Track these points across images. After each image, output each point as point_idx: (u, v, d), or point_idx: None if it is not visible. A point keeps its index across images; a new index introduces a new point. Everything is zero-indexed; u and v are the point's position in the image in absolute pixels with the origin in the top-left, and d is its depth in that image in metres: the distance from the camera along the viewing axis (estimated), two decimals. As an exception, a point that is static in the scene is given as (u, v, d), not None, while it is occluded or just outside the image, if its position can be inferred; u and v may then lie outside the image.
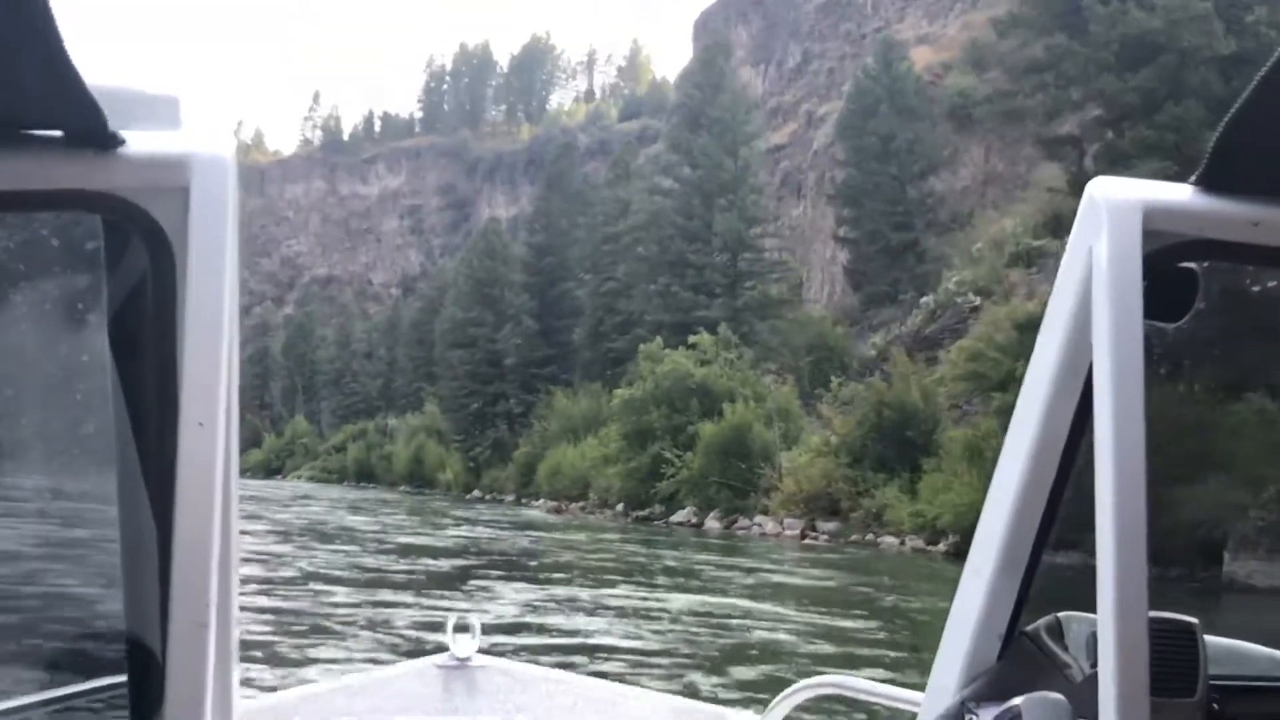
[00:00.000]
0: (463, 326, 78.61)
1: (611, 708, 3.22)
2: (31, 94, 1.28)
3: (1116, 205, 1.47)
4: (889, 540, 34.11)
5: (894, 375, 37.78)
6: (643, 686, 5.36)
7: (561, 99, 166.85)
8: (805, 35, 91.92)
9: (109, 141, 1.34)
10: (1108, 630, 1.35)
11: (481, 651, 3.37)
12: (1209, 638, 1.79)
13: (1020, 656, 1.73)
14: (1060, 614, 1.80)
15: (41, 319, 1.61)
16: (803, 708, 2.88)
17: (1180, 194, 1.51)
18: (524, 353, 75.27)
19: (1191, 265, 1.54)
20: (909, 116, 57.55)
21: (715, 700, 8.41)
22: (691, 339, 47.73)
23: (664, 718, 3.22)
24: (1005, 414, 1.99)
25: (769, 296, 56.96)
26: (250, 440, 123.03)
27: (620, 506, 49.29)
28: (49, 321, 1.61)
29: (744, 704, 3.79)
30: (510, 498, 66.03)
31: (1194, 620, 1.75)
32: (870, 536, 34.99)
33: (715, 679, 11.79)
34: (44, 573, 1.88)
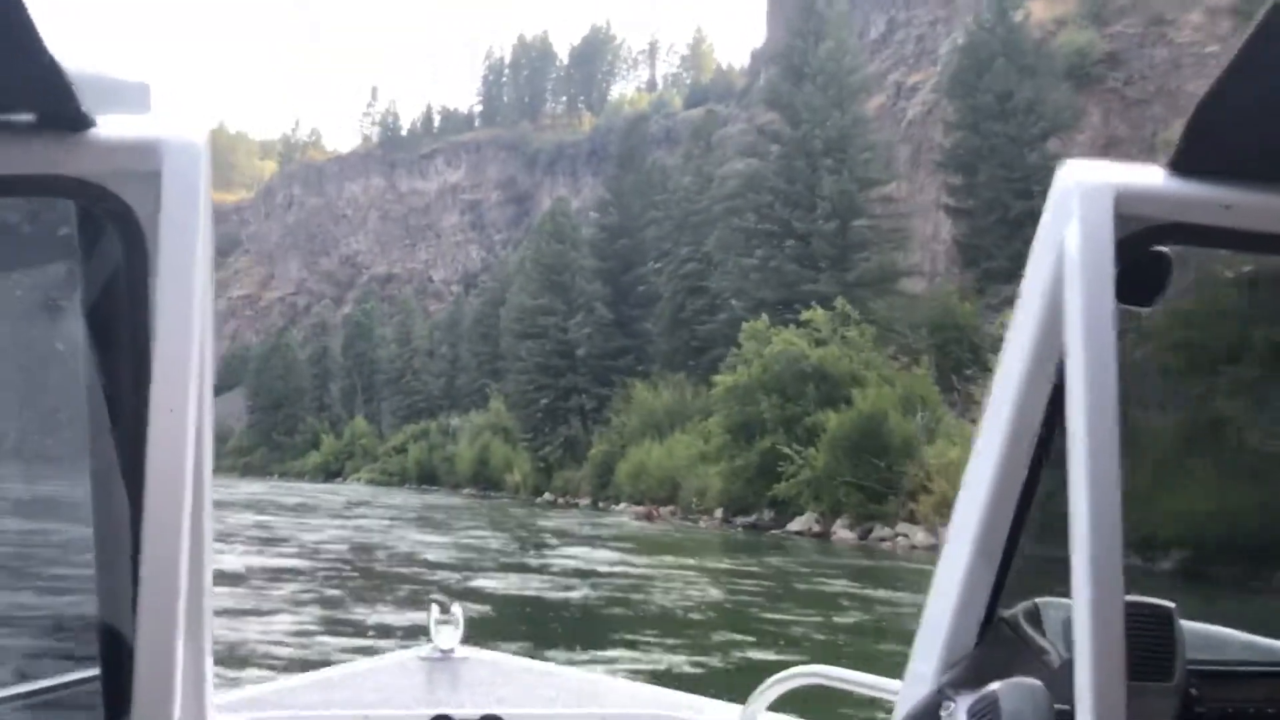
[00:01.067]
0: (531, 316, 73.13)
1: (593, 699, 3.18)
2: (3, 77, 1.26)
3: (1088, 189, 1.47)
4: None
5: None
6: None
7: (623, 89, 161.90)
8: (889, 3, 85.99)
9: (80, 123, 1.33)
10: (1083, 615, 1.35)
11: (464, 643, 3.38)
12: (1186, 623, 1.74)
13: (998, 642, 1.73)
14: (1038, 599, 1.77)
15: (14, 304, 1.61)
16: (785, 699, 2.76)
17: (1152, 177, 1.50)
18: (597, 343, 69.85)
19: (1164, 249, 1.54)
20: (1027, 73, 51.43)
21: None
22: (804, 315, 41.06)
23: (645, 708, 3.16)
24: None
25: (886, 268, 50.60)
26: (309, 442, 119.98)
27: (720, 512, 43.38)
28: (21, 307, 1.61)
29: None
30: (585, 501, 60.78)
31: (1171, 605, 1.71)
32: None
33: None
34: (17, 563, 1.84)
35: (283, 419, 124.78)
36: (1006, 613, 1.76)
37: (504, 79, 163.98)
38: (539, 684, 3.25)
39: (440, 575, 21.75)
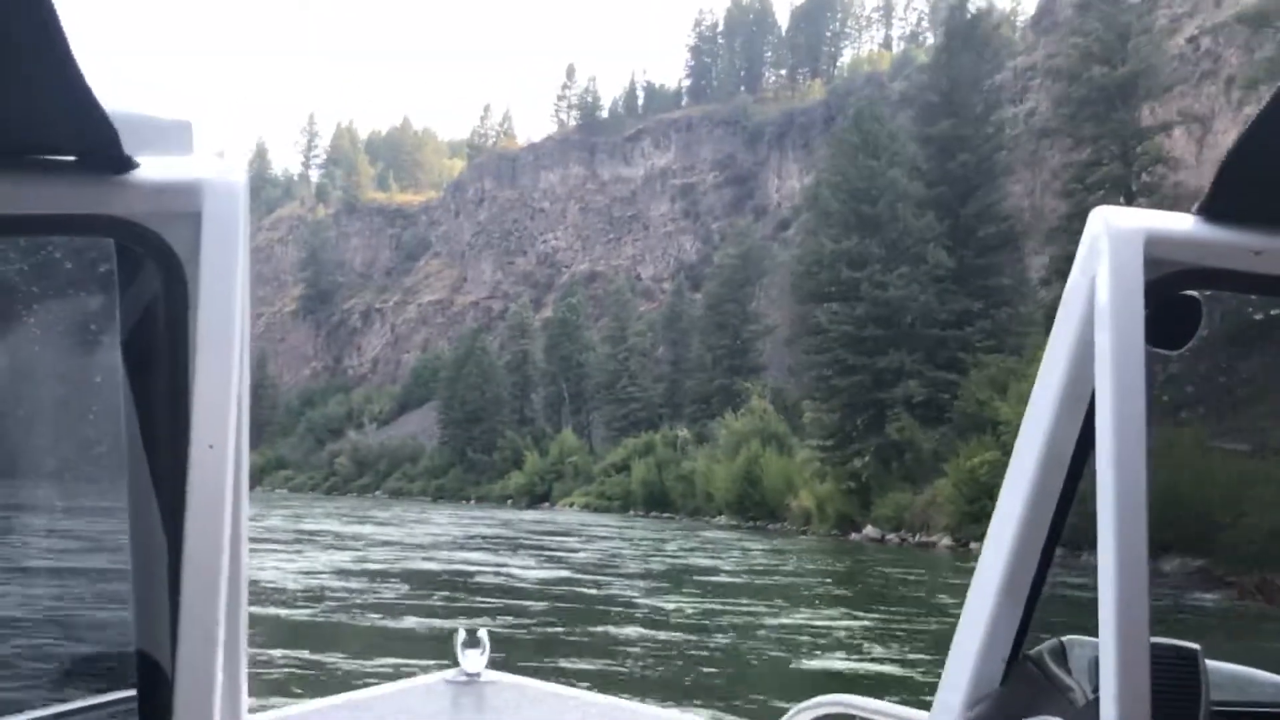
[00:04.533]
0: (829, 266, 50.61)
1: None
2: (46, 118, 1.30)
3: (1119, 234, 1.49)
4: None
5: None
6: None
7: (855, 52, 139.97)
8: None
9: (123, 165, 1.37)
10: (1109, 656, 1.36)
11: (491, 666, 3.36)
12: (1211, 663, 1.73)
13: (1024, 680, 1.75)
14: (1064, 638, 1.79)
15: (56, 341, 1.67)
16: None
17: (1182, 223, 1.52)
18: (928, 307, 48.11)
19: (1194, 293, 1.56)
20: None
21: None
22: None
23: None
24: None
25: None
26: (509, 461, 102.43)
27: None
28: (63, 344, 1.67)
29: None
30: (944, 540, 39.22)
31: (1196, 646, 1.70)
32: None
33: None
34: (57, 589, 1.91)
35: (479, 434, 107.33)
36: (1033, 650, 1.77)
37: (717, 47, 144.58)
38: (565, 708, 3.21)
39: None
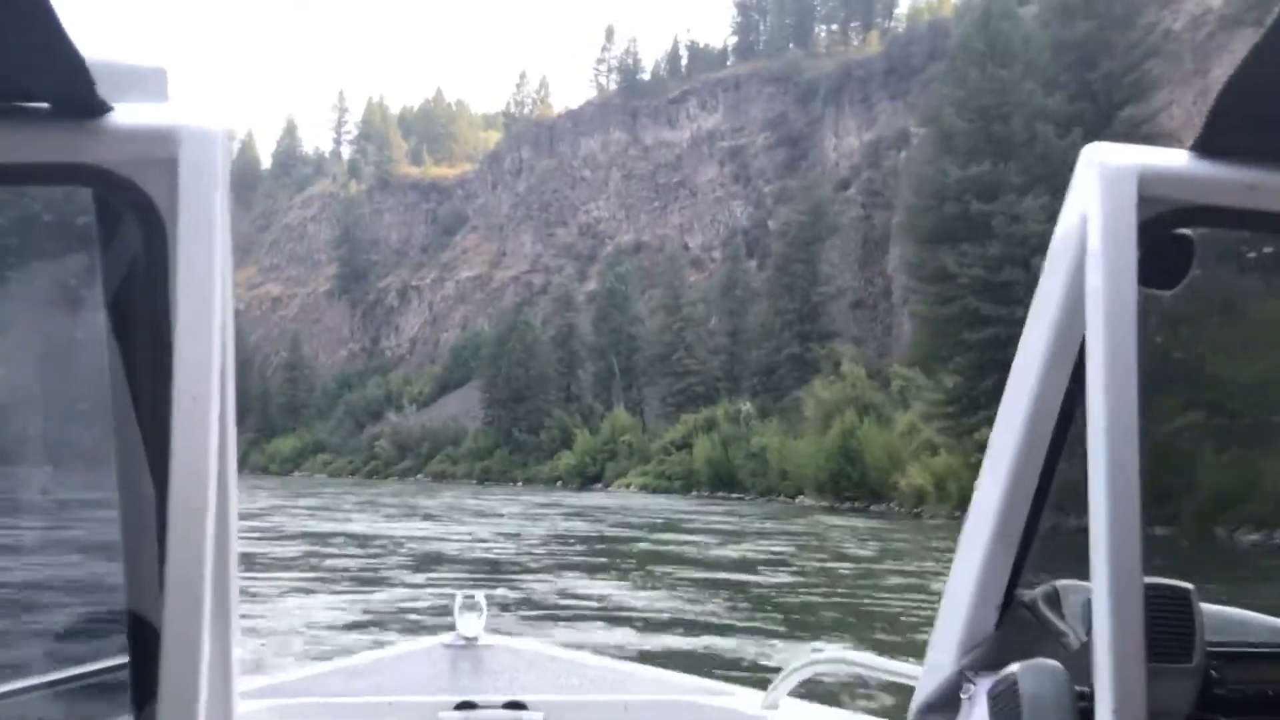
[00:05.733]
0: (955, 198, 42.64)
1: (618, 685, 3.15)
2: (21, 62, 1.26)
3: (1111, 171, 1.47)
4: None
5: None
6: None
7: (913, 3, 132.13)
8: None
9: (97, 109, 1.34)
10: (1102, 597, 1.35)
11: (489, 630, 3.36)
12: (1206, 605, 1.75)
13: (1017, 625, 1.76)
14: (1058, 582, 1.79)
15: (35, 294, 1.63)
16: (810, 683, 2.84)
17: (1176, 159, 1.51)
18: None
19: (1187, 232, 1.54)
20: None
21: None
22: None
23: (669, 694, 3.12)
24: None
25: None
26: (558, 440, 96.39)
27: None
28: (43, 296, 1.63)
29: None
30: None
31: (1189, 586, 1.71)
32: None
33: None
34: (45, 552, 1.87)
35: (525, 414, 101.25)
36: (1026, 595, 1.77)
37: (765, 2, 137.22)
38: (563, 671, 3.21)
39: None
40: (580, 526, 35.19)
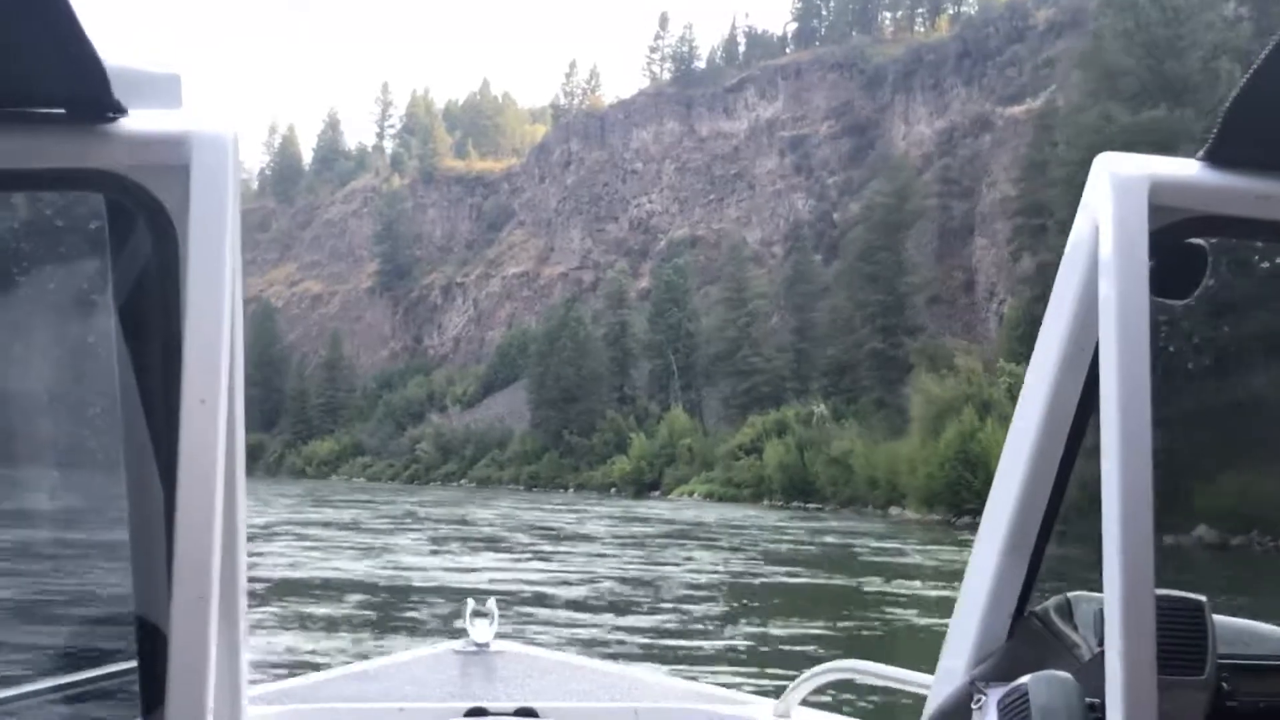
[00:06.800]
0: (1122, 147, 36.38)
1: (628, 693, 3.14)
2: (41, 67, 1.28)
3: (1123, 181, 1.47)
4: None
5: None
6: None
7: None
8: None
9: (110, 111, 1.35)
10: (1114, 608, 1.35)
11: (499, 636, 3.38)
12: (1218, 617, 1.74)
13: (1029, 636, 1.76)
14: (1069, 594, 1.80)
15: (47, 297, 1.64)
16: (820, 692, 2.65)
17: (1187, 169, 1.52)
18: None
19: (1199, 241, 1.55)
20: None
21: None
22: None
23: (679, 702, 3.12)
24: None
25: None
26: (611, 444, 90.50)
27: None
28: (55, 300, 1.64)
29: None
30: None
31: (1202, 598, 1.71)
32: None
33: None
34: (54, 555, 1.88)
35: (576, 415, 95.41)
36: (1038, 607, 1.78)
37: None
38: (574, 678, 3.23)
39: None
40: (707, 557, 27.90)
